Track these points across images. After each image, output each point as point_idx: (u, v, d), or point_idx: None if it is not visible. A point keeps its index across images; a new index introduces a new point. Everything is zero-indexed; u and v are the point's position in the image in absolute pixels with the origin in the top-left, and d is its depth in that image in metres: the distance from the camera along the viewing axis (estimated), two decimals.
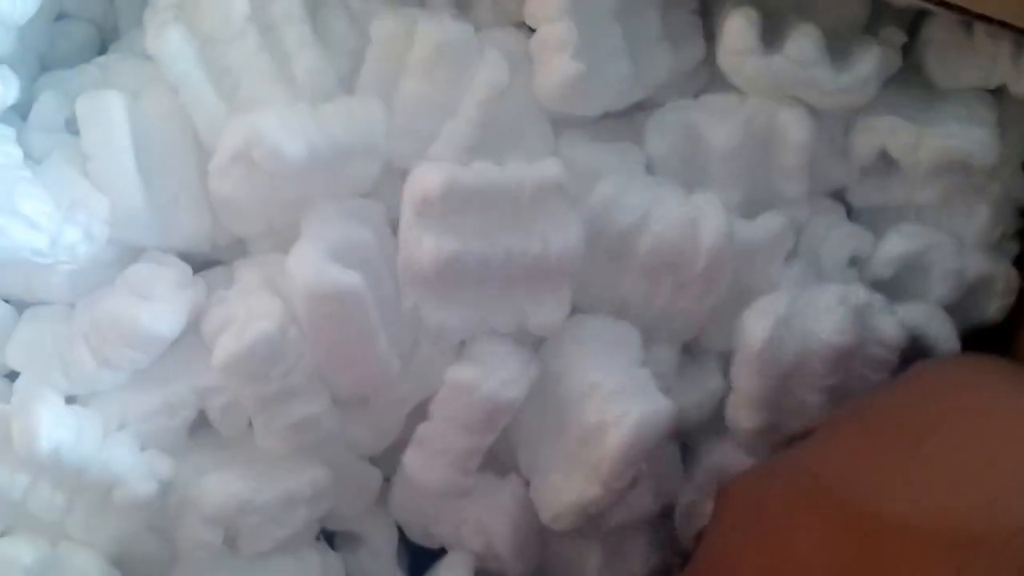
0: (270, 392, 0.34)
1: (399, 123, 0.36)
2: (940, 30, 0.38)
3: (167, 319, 0.34)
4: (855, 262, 0.39)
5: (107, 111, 0.35)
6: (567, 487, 0.35)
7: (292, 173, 0.34)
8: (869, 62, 0.36)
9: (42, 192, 0.34)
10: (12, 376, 0.36)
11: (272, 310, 0.33)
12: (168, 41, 0.36)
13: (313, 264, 0.33)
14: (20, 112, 0.37)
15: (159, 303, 0.35)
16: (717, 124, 0.37)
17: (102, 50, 0.41)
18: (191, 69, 0.36)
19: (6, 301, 0.36)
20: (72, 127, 0.37)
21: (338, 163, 0.35)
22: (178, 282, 0.35)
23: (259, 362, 0.33)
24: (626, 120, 0.39)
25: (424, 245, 0.33)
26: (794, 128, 0.37)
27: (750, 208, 0.38)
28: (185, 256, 0.37)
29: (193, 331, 0.36)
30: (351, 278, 0.33)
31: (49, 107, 0.37)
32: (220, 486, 0.35)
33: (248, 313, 0.33)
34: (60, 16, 0.41)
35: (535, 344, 0.36)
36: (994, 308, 0.40)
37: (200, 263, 0.38)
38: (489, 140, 0.36)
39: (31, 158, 0.36)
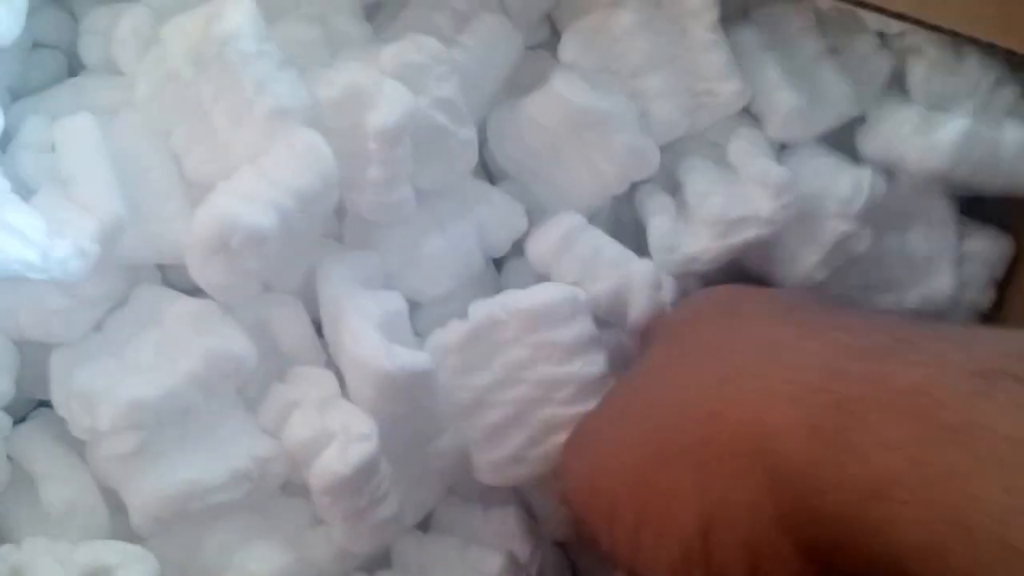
0: (362, 504, 0.34)
1: None
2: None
3: None
4: None
5: (82, 133, 0.36)
6: None
7: (272, 242, 0.34)
8: None
9: (31, 209, 0.35)
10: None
11: (369, 429, 0.34)
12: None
13: (382, 351, 0.34)
14: None
15: None
16: None
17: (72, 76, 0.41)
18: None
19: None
20: None
21: (306, 208, 0.35)
22: None
23: (361, 482, 0.34)
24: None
25: None
26: None
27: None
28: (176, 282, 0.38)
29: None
30: (422, 359, 0.34)
31: (36, 130, 0.37)
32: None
33: (345, 432, 0.34)
34: (34, 45, 0.41)
35: None
36: None
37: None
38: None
39: (21, 180, 0.36)
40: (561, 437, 0.36)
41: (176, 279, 0.39)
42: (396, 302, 0.37)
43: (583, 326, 0.36)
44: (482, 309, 0.36)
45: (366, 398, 0.34)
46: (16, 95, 0.40)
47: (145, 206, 0.36)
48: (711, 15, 0.38)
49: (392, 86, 0.35)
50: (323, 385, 0.36)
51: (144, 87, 0.37)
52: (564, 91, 0.38)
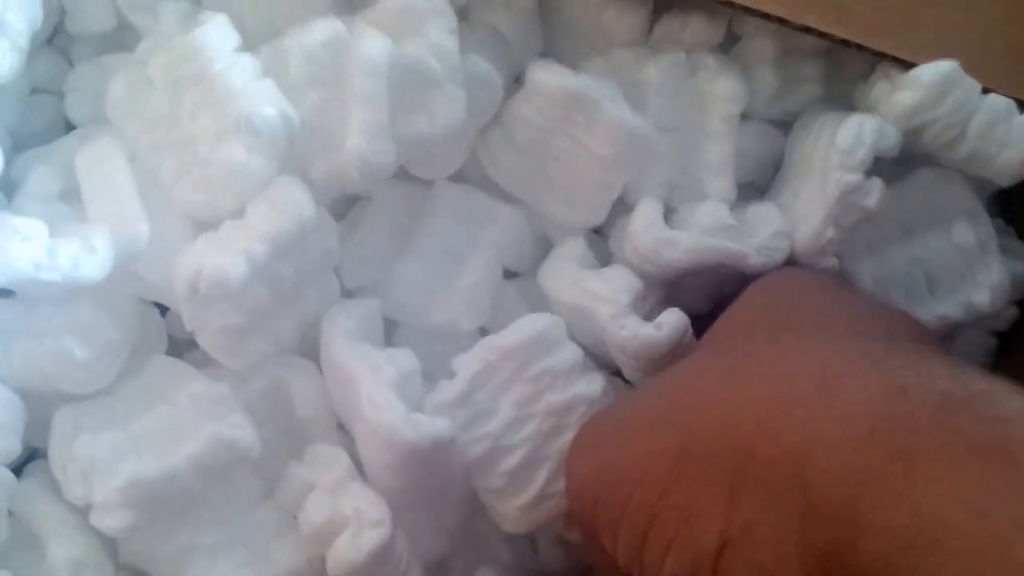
0: None
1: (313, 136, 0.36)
2: None
3: None
4: None
5: (105, 154, 0.36)
6: None
7: (245, 289, 0.34)
8: None
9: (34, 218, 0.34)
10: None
11: (382, 515, 0.33)
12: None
13: (404, 421, 0.33)
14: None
15: None
16: None
17: (69, 124, 0.41)
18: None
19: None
20: (65, 198, 0.37)
21: (285, 255, 0.35)
22: None
23: (376, 567, 0.33)
24: None
25: None
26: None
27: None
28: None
29: None
30: (444, 427, 0.33)
31: (43, 179, 0.37)
32: None
33: (358, 518, 0.33)
34: (32, 91, 0.41)
35: None
36: None
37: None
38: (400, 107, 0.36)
39: None
40: None
41: (179, 326, 0.38)
42: (408, 361, 0.36)
43: (570, 350, 0.36)
44: (469, 360, 0.35)
45: (384, 464, 0.34)
46: (15, 140, 0.40)
47: (158, 234, 0.36)
48: (733, 109, 0.38)
49: (372, 30, 0.35)
50: (336, 466, 0.35)
51: (131, 131, 0.37)
52: (545, 77, 0.37)
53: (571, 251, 0.39)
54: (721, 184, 0.39)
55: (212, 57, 0.35)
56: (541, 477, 0.35)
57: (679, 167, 0.39)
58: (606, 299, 0.37)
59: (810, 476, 0.26)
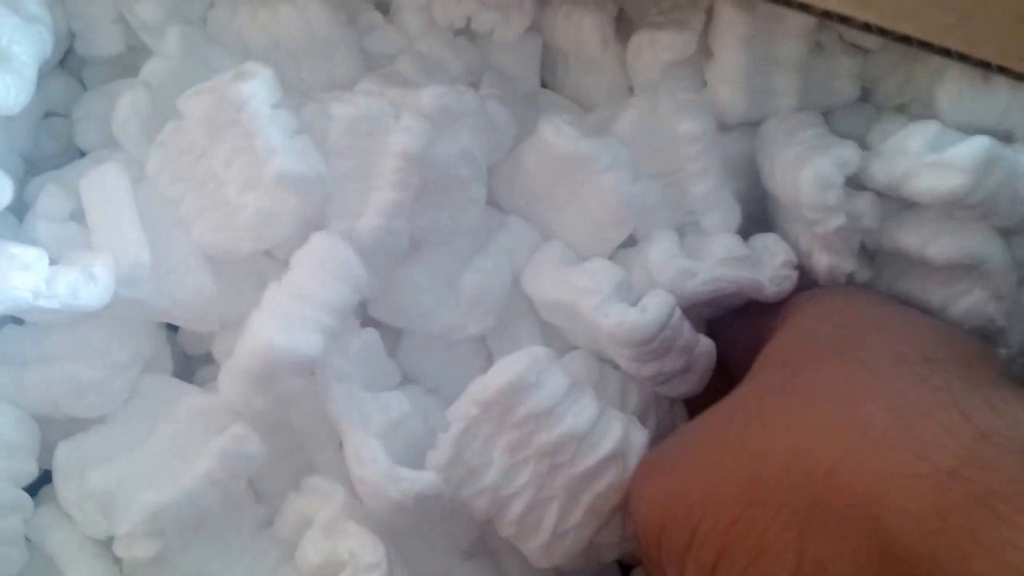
0: None
1: (334, 199, 0.36)
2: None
3: None
4: None
5: (109, 181, 0.36)
6: None
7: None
8: None
9: (34, 246, 0.35)
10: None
11: (379, 557, 0.33)
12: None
13: (386, 478, 0.33)
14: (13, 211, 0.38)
15: None
16: None
17: None
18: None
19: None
20: (76, 217, 0.37)
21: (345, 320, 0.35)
22: None
23: None
24: None
25: None
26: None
27: None
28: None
29: None
30: (429, 481, 0.33)
31: (55, 199, 0.38)
32: None
33: (354, 562, 0.33)
34: (46, 114, 0.41)
35: None
36: None
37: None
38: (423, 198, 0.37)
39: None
40: (589, 493, 0.34)
41: (190, 344, 0.40)
42: (399, 406, 0.36)
43: (554, 382, 0.34)
44: (458, 414, 0.35)
45: (374, 510, 0.34)
46: (29, 164, 0.40)
47: (162, 259, 0.36)
48: (699, 148, 0.38)
49: (417, 120, 0.36)
50: (334, 502, 0.35)
51: (156, 159, 0.37)
52: (550, 138, 0.37)
53: (551, 252, 0.39)
54: (716, 218, 0.38)
55: (256, 110, 0.35)
56: (551, 518, 0.35)
57: (679, 208, 0.39)
58: (588, 290, 0.36)
59: (886, 515, 0.25)
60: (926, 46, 0.35)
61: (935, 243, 0.36)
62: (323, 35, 0.39)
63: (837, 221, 0.36)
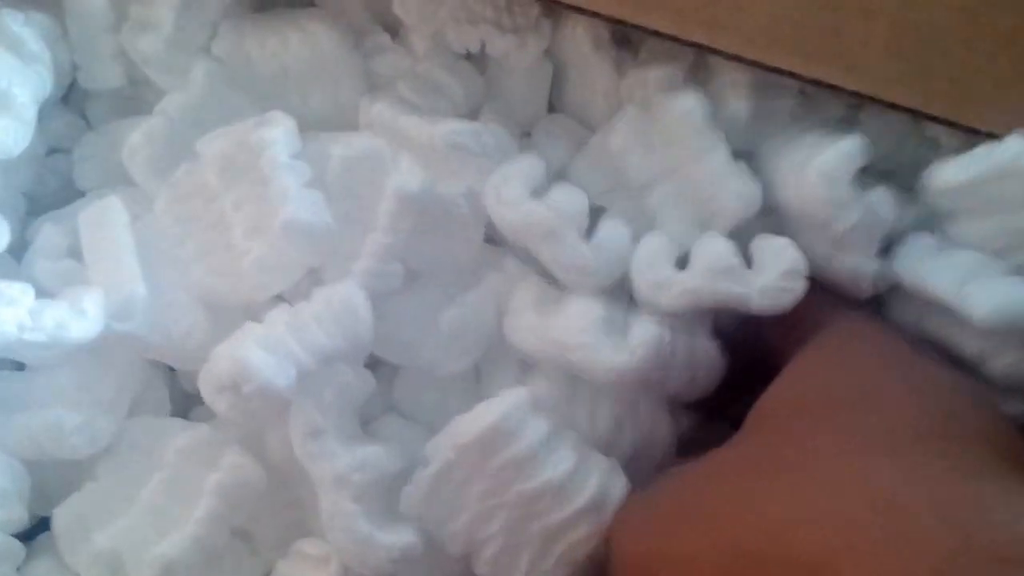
0: None
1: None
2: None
3: None
4: None
5: (107, 213, 0.37)
6: None
7: (284, 400, 0.34)
8: None
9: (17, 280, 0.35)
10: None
11: None
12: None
13: (365, 543, 0.33)
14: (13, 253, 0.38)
15: None
16: None
17: None
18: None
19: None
20: (76, 255, 0.37)
21: (330, 365, 0.35)
22: None
23: None
24: None
25: None
26: None
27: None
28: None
29: None
30: (406, 544, 0.33)
31: (52, 237, 0.38)
32: None
33: None
34: (48, 151, 0.41)
35: None
36: None
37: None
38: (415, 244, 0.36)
39: (40, 287, 0.36)
40: (563, 542, 0.34)
41: (188, 383, 0.39)
42: (378, 462, 0.34)
43: (534, 429, 0.34)
44: (437, 453, 0.34)
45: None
46: (32, 201, 0.40)
47: (157, 292, 0.36)
48: (699, 118, 0.36)
49: (414, 168, 0.36)
50: (319, 570, 0.35)
51: (166, 198, 0.37)
52: (491, 206, 0.36)
53: (527, 295, 0.37)
54: (734, 193, 0.36)
55: (275, 157, 0.35)
56: (523, 562, 0.34)
57: (697, 200, 0.37)
58: (571, 345, 0.35)
59: None
60: (915, 113, 0.35)
61: (975, 297, 0.33)
62: (330, 59, 0.39)
63: (852, 217, 0.34)
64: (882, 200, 0.35)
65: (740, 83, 0.37)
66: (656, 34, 0.35)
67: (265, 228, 0.35)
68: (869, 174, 0.35)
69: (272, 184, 0.35)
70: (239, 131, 0.36)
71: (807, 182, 0.34)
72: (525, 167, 0.37)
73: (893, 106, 0.35)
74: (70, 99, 0.43)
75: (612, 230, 0.36)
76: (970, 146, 0.34)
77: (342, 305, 0.34)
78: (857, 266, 0.35)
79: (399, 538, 0.33)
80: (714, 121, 0.36)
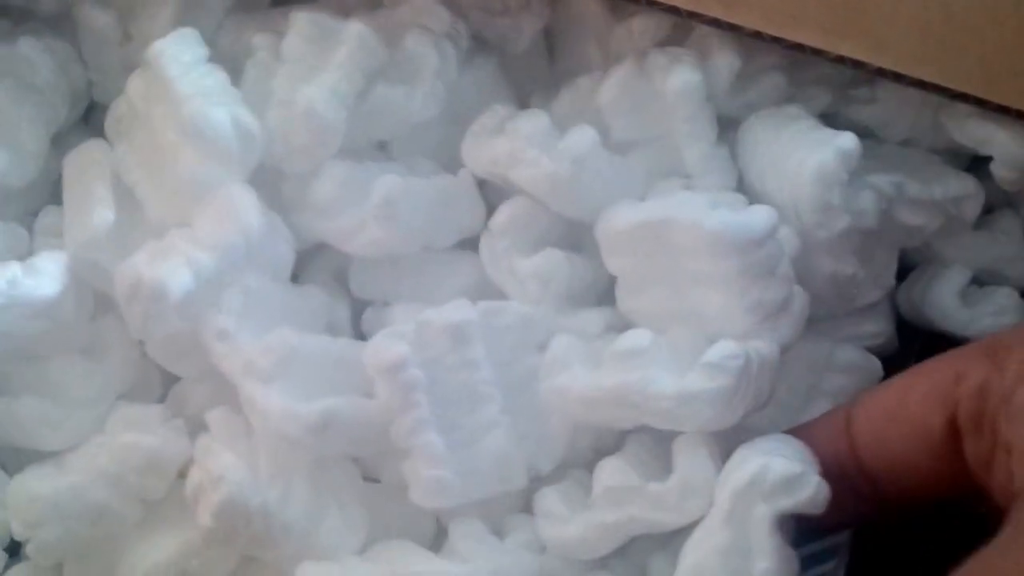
0: None
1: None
2: None
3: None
4: None
5: (88, 152, 0.37)
6: None
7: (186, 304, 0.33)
8: None
9: None
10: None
11: None
12: None
13: (283, 414, 0.32)
14: None
15: None
16: None
17: None
18: None
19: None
20: None
21: (232, 262, 0.34)
22: None
23: None
24: None
25: None
26: None
27: None
28: None
29: None
30: (326, 405, 0.32)
31: (53, 216, 0.38)
32: None
33: None
34: None
35: None
36: None
37: None
38: None
39: None
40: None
41: None
42: (285, 341, 0.33)
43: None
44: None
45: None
46: None
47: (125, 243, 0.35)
48: (693, 102, 0.35)
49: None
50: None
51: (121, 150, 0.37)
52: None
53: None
54: (713, 179, 0.35)
55: (167, 63, 0.34)
56: None
57: (675, 172, 0.36)
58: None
59: None
60: (943, 91, 0.34)
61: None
62: None
63: (841, 223, 0.33)
64: (869, 204, 0.34)
65: (727, 45, 0.35)
66: (672, 10, 0.34)
67: (182, 140, 0.34)
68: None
69: (172, 90, 0.34)
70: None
71: (801, 180, 0.33)
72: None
73: (921, 83, 0.34)
74: (90, 120, 0.43)
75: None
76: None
77: (223, 198, 0.33)
78: (838, 269, 0.35)
79: (317, 404, 0.31)
80: (709, 100, 0.35)
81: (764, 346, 0.31)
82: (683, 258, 0.32)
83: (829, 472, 0.29)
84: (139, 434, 0.34)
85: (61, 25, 0.40)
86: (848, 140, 0.33)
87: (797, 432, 0.31)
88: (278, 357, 0.32)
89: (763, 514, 0.28)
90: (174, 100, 0.34)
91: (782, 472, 0.28)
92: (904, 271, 0.39)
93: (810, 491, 0.28)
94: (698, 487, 0.30)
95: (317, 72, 0.35)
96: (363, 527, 0.33)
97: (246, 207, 0.33)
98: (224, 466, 0.32)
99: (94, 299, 0.36)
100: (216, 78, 0.35)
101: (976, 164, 0.38)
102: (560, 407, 0.33)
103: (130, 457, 0.34)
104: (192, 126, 0.33)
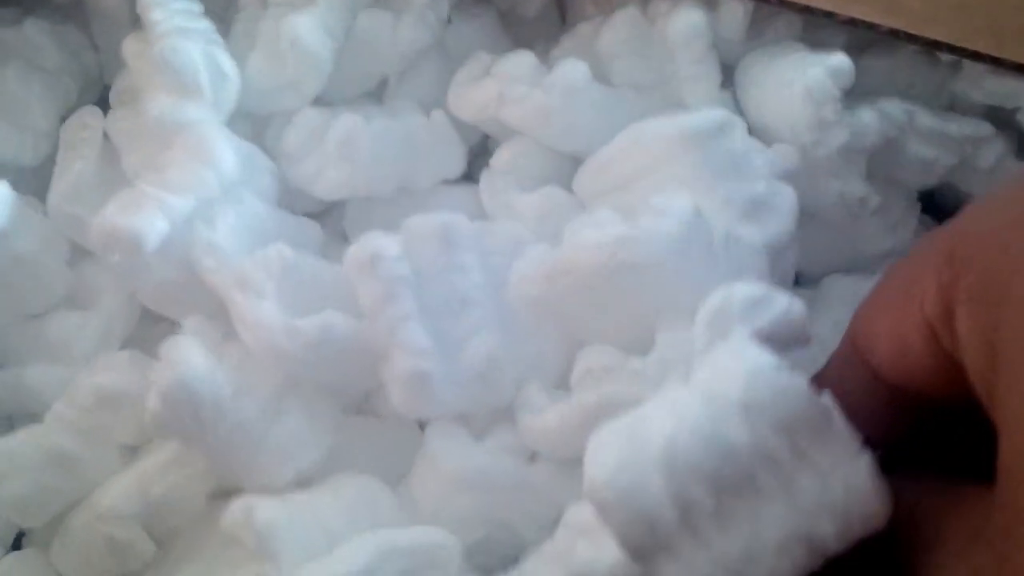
0: None
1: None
2: None
3: None
4: None
5: (84, 117, 0.37)
6: None
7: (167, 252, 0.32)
8: None
9: None
10: None
11: None
12: None
13: (280, 330, 0.30)
14: None
15: None
16: None
17: None
18: None
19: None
20: None
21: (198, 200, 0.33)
22: None
23: None
24: None
25: None
26: None
27: None
28: None
29: None
30: (325, 322, 0.30)
31: None
32: None
33: None
34: None
35: None
36: None
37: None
38: None
39: None
40: None
41: None
42: (282, 255, 0.32)
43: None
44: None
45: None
46: None
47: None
48: (699, 45, 0.35)
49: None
50: None
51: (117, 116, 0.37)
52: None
53: None
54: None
55: (154, 8, 0.35)
56: None
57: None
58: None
59: None
60: (955, 50, 0.34)
61: None
62: None
63: (839, 139, 0.33)
64: (871, 121, 0.34)
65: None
66: None
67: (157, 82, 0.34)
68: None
69: (150, 33, 0.34)
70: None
71: (793, 101, 0.33)
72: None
73: (934, 43, 0.34)
74: (106, 105, 0.42)
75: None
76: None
77: (193, 138, 0.33)
78: (845, 190, 0.34)
79: (315, 319, 0.30)
80: (713, 44, 0.35)
81: (744, 232, 0.30)
82: (660, 165, 0.32)
83: (846, 384, 0.26)
84: (91, 375, 0.33)
85: (74, 12, 0.41)
86: (839, 59, 0.33)
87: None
88: (273, 271, 0.31)
89: (741, 334, 0.25)
90: (151, 41, 0.34)
91: (747, 292, 0.26)
92: None
93: (782, 305, 0.25)
94: (678, 361, 0.28)
95: (303, 10, 0.35)
96: (320, 447, 0.31)
97: (217, 143, 0.33)
98: (184, 355, 0.30)
99: (71, 249, 0.36)
100: (200, 24, 0.35)
101: None
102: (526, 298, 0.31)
103: (81, 397, 0.33)
104: (162, 60, 0.33)
